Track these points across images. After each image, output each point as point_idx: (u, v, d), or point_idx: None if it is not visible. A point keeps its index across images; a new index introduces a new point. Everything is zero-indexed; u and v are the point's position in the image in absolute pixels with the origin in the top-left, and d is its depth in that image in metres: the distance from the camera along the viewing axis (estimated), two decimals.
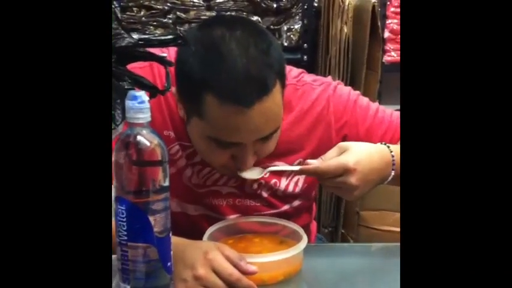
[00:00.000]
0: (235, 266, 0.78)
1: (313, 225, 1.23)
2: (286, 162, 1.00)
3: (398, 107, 2.11)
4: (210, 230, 0.93)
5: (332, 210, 2.10)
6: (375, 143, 0.94)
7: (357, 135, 1.01)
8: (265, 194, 1.03)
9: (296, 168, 0.91)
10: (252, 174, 0.90)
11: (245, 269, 0.79)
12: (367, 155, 0.88)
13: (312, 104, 1.01)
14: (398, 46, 2.18)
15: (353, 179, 0.85)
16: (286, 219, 1.01)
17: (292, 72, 1.05)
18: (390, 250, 0.99)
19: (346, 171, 0.85)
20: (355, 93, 1.08)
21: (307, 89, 1.02)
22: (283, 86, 0.89)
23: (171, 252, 0.77)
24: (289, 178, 1.03)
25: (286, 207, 1.06)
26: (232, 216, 1.01)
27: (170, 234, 0.76)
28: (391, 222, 2.07)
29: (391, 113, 1.07)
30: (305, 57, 2.05)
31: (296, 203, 1.06)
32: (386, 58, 2.18)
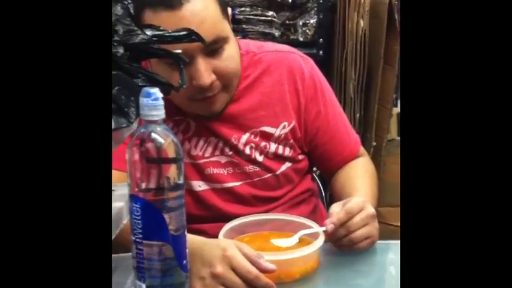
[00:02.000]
0: (254, 264, 0.78)
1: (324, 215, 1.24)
2: (272, 126, 1.07)
3: None
4: (225, 228, 0.93)
5: None
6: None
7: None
8: (260, 158, 1.08)
9: (323, 228, 0.91)
10: (287, 242, 0.89)
11: (264, 267, 0.78)
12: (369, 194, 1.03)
13: (266, 69, 1.08)
14: None
15: (371, 209, 0.92)
16: (288, 182, 1.11)
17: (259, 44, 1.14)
18: None
19: (363, 203, 0.91)
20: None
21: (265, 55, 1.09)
22: None
23: (187, 250, 0.76)
24: (277, 142, 1.09)
25: (283, 168, 1.10)
26: (250, 216, 1.01)
27: (185, 232, 0.76)
28: None
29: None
30: (321, 52, 2.03)
31: (289, 164, 1.11)
32: None
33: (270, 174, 1.10)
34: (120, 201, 0.75)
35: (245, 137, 1.07)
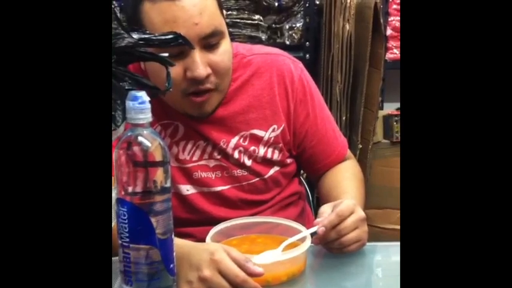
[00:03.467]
0: (242, 267, 0.78)
1: (311, 218, 1.25)
2: (261, 129, 1.08)
3: None
4: (212, 231, 0.93)
5: None
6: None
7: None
8: (248, 162, 1.08)
9: (314, 229, 0.91)
10: (270, 256, 0.86)
11: (252, 270, 0.78)
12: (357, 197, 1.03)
13: (256, 71, 1.08)
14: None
15: (361, 212, 0.92)
16: (276, 186, 1.11)
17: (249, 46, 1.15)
18: (395, 249, 0.99)
19: (354, 206, 0.91)
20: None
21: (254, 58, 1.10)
22: None
23: (174, 254, 0.76)
24: (267, 146, 1.09)
25: (271, 172, 1.11)
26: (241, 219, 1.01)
27: (173, 236, 0.76)
28: (395, 220, 2.06)
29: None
30: (307, 55, 2.04)
31: (277, 168, 1.12)
32: (389, 56, 2.17)
33: (258, 178, 1.10)
34: None
35: (234, 141, 1.07)
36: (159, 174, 0.73)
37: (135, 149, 0.72)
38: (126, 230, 0.72)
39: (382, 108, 2.25)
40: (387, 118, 2.25)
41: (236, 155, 1.07)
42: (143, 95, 0.71)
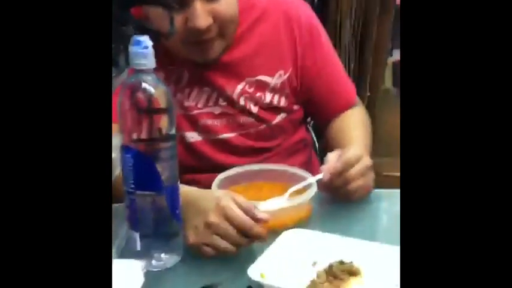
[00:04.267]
0: (248, 214, 0.78)
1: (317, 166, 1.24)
2: (268, 75, 1.06)
3: None
4: (218, 178, 0.93)
5: None
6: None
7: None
8: (254, 109, 1.07)
9: (320, 176, 0.91)
10: (276, 203, 0.86)
11: (258, 217, 0.78)
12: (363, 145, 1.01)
13: (262, 14, 1.06)
14: None
15: (368, 160, 0.91)
16: (283, 133, 1.11)
17: None
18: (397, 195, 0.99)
19: (361, 154, 0.91)
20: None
21: None
22: None
23: (180, 200, 0.76)
24: (273, 92, 1.07)
25: (278, 119, 1.10)
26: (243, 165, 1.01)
27: (178, 182, 0.76)
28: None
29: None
30: (315, 0, 1.99)
31: (284, 115, 1.10)
32: (399, 1, 2.11)
33: (264, 125, 1.09)
34: (112, 152, 0.75)
35: (240, 87, 1.05)
36: (163, 121, 0.72)
37: (139, 95, 0.71)
38: (132, 177, 0.72)
39: (391, 55, 2.21)
40: (396, 65, 2.22)
41: (242, 101, 1.06)
42: (146, 40, 0.69)
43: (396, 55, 2.24)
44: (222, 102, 1.05)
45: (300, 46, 1.08)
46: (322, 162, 0.94)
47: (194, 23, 0.92)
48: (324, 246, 0.79)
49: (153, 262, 0.76)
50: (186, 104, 1.05)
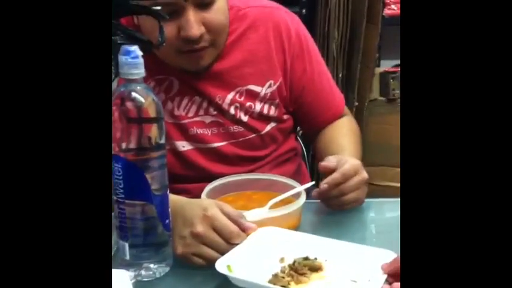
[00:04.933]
0: (235, 223, 0.78)
1: (307, 175, 1.26)
2: (257, 85, 1.06)
3: (398, 61, 2.10)
4: (208, 188, 0.93)
5: None
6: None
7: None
8: (244, 118, 1.08)
9: (308, 185, 0.93)
10: (257, 214, 0.85)
11: (245, 226, 0.78)
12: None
13: (252, 24, 1.07)
14: None
15: (365, 174, 0.92)
16: (273, 142, 1.11)
17: None
18: (390, 205, 1.00)
19: (358, 167, 0.91)
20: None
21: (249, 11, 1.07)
22: None
23: (169, 210, 0.76)
24: (263, 102, 1.08)
25: (268, 128, 1.10)
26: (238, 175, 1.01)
27: (167, 192, 0.76)
28: (391, 177, 2.07)
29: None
30: (304, 10, 2.00)
31: (274, 124, 1.11)
32: (387, 11, 2.13)
33: (254, 135, 1.09)
34: None
35: (230, 97, 1.06)
36: (153, 131, 0.73)
37: (129, 104, 0.71)
38: (121, 186, 0.72)
39: (379, 65, 2.23)
40: (384, 75, 2.23)
41: (232, 110, 1.06)
42: (136, 50, 0.69)
43: (384, 65, 2.25)
44: (212, 112, 1.06)
45: (289, 56, 1.08)
46: (312, 171, 0.95)
47: (187, 32, 0.93)
48: (293, 243, 0.82)
49: (143, 272, 0.76)
50: (177, 113, 1.05)
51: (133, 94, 0.71)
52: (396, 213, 0.93)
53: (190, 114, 1.05)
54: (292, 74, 1.09)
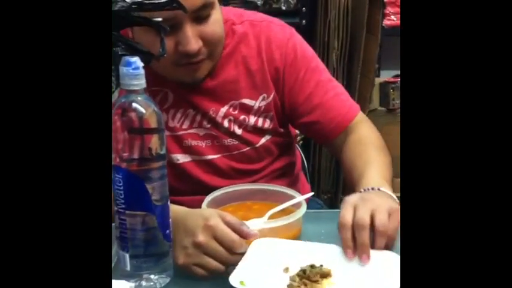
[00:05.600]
0: (237, 231, 0.78)
1: (306, 185, 1.25)
2: (251, 98, 1.06)
3: (398, 71, 2.10)
4: (208, 198, 0.93)
5: (331, 176, 2.10)
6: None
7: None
8: (238, 131, 1.07)
9: (308, 195, 0.93)
10: (256, 224, 0.84)
11: (247, 234, 0.78)
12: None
13: (244, 38, 1.06)
14: (398, 10, 2.14)
15: (382, 215, 0.80)
16: (268, 155, 1.11)
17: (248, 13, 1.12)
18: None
19: (366, 219, 0.79)
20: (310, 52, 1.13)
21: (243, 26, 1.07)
22: None
23: (170, 220, 0.76)
24: (257, 115, 1.08)
25: (263, 141, 1.10)
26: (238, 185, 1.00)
27: (168, 202, 0.76)
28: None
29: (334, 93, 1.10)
30: (303, 21, 2.02)
31: (269, 137, 1.10)
32: (386, 22, 2.14)
33: (249, 147, 1.09)
34: None
35: (223, 110, 1.06)
36: (154, 141, 0.73)
37: (130, 115, 0.71)
38: (122, 197, 0.72)
39: (378, 76, 2.23)
40: (384, 85, 2.24)
41: (226, 123, 1.06)
42: (137, 61, 0.70)
43: (384, 75, 2.26)
44: (206, 125, 1.06)
45: (282, 67, 1.07)
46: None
47: (186, 48, 0.93)
48: (293, 252, 0.82)
49: (143, 283, 0.75)
50: (171, 124, 1.05)
51: (134, 105, 0.71)
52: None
53: (184, 126, 1.06)
54: (285, 84, 1.08)
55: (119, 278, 0.73)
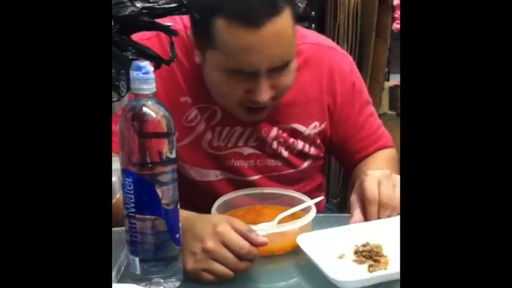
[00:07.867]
0: (245, 238, 0.78)
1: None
2: (303, 124, 1.05)
3: None
4: (218, 202, 0.93)
5: (340, 181, 2.10)
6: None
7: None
8: (285, 153, 1.06)
9: (318, 199, 0.96)
10: (265, 228, 0.85)
11: (255, 241, 0.78)
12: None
13: (306, 62, 1.03)
14: None
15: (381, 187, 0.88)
16: (306, 178, 1.10)
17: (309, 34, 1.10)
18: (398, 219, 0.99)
19: (377, 182, 0.88)
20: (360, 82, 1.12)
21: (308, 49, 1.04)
22: (293, 12, 0.89)
23: (180, 224, 0.76)
24: (306, 141, 1.07)
25: (305, 164, 1.09)
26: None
27: (178, 206, 0.76)
28: None
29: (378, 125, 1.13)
30: (313, 25, 2.01)
31: (310, 161, 1.10)
32: (395, 26, 2.14)
33: (292, 170, 1.07)
34: (112, 175, 0.75)
35: (274, 132, 1.03)
36: (164, 145, 0.73)
37: (140, 119, 0.71)
38: (132, 201, 0.72)
39: (388, 79, 2.23)
40: (393, 89, 2.23)
41: (274, 145, 1.04)
42: (147, 65, 0.70)
43: (393, 79, 2.26)
44: (252, 143, 1.04)
45: (340, 100, 1.06)
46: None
47: (257, 97, 0.90)
48: (340, 239, 0.85)
49: (153, 287, 0.76)
50: (215, 144, 1.03)
51: (144, 109, 0.71)
52: None
53: (229, 145, 1.03)
54: (339, 118, 1.06)
55: (128, 281, 0.73)
